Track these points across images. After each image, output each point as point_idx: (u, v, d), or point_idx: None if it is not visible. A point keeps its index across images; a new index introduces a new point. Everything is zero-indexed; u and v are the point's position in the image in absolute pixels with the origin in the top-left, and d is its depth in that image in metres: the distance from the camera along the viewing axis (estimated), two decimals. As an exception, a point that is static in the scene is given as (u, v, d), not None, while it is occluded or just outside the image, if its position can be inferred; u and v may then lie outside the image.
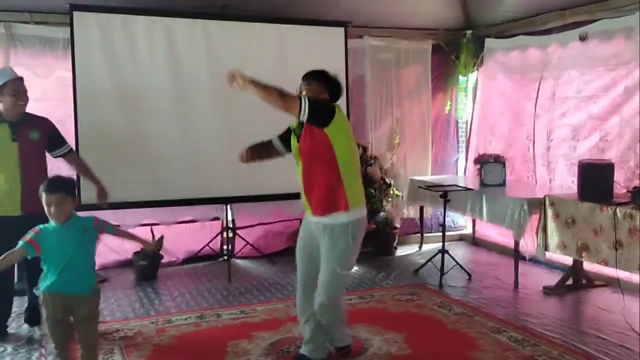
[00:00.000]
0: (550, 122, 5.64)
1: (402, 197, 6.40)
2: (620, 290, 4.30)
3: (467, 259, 6.02)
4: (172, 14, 5.34)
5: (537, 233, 4.84)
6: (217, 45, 5.44)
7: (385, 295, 4.83)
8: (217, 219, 5.87)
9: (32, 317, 4.13)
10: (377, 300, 4.71)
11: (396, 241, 6.34)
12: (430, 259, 5.51)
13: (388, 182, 6.23)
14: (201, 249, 5.85)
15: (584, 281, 4.98)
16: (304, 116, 3.11)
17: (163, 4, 5.34)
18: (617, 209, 4.14)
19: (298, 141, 3.32)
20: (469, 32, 6.58)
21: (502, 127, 6.32)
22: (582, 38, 5.22)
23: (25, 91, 3.93)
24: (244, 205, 5.76)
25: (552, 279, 5.07)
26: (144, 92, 5.23)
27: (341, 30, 5.90)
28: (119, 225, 3.64)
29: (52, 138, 4.07)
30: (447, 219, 5.67)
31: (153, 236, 5.42)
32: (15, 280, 4.28)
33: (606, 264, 4.30)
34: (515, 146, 6.10)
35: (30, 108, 4.03)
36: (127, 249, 5.44)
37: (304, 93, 3.29)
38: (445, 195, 5.22)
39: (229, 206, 5.65)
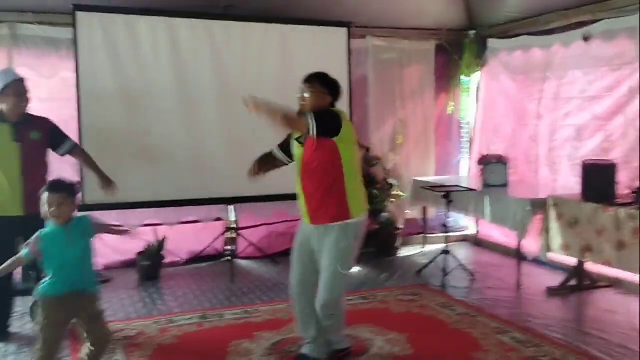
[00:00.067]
0: (554, 123, 5.62)
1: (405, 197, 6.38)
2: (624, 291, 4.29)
3: (470, 260, 6.01)
4: (175, 14, 5.34)
5: (540, 234, 4.83)
6: (220, 45, 5.45)
7: (388, 296, 4.82)
8: (220, 219, 5.87)
9: None
10: (379, 301, 4.70)
11: (399, 242, 6.34)
12: (433, 260, 5.50)
13: (391, 182, 6.22)
14: (204, 249, 5.85)
15: (587, 282, 4.96)
16: (313, 132, 3.13)
17: (166, 4, 5.35)
18: (621, 210, 4.13)
19: (302, 145, 3.32)
20: (472, 32, 6.57)
21: (505, 127, 6.30)
22: (586, 38, 5.20)
23: (27, 92, 3.93)
24: (247, 206, 5.75)
25: (555, 279, 5.06)
26: (147, 92, 5.24)
27: (344, 30, 5.90)
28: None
29: (53, 136, 4.07)
30: (450, 220, 5.66)
31: (156, 236, 5.45)
32: (20, 280, 4.30)
33: (609, 264, 4.29)
34: (518, 147, 6.08)
35: (36, 109, 4.04)
36: (130, 249, 5.44)
37: (306, 96, 3.29)
38: (448, 195, 5.21)
39: (232, 206, 5.66)
